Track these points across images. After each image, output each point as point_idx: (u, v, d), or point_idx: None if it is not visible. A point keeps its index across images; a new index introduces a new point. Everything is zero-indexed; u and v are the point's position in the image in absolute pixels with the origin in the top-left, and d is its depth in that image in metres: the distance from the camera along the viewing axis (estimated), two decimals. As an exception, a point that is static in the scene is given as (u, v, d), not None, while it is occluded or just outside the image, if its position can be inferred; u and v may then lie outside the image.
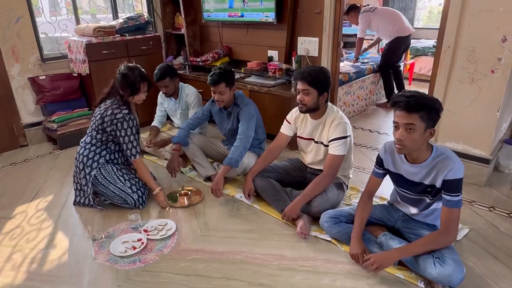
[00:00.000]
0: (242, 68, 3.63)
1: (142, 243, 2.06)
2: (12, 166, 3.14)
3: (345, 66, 4.30)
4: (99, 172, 2.37)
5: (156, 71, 2.99)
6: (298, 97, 2.19)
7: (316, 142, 2.32)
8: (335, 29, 3.20)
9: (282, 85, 3.33)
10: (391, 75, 4.53)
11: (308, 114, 2.28)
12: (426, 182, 1.73)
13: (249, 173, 2.42)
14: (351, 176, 2.44)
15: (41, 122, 3.57)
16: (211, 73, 2.59)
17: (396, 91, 4.60)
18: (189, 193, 2.53)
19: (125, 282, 1.80)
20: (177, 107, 3.21)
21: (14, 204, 2.54)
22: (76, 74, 3.60)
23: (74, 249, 2.06)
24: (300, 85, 2.14)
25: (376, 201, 2.01)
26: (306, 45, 3.38)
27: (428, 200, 1.78)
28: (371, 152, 3.26)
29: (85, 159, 2.36)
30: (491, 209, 2.35)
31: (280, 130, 2.46)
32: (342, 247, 1.99)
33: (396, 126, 1.64)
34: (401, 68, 4.67)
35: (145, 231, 2.17)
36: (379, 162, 1.91)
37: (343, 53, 4.76)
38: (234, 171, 2.62)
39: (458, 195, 1.64)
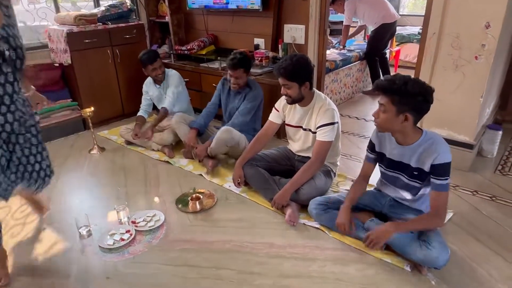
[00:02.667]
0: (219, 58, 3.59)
1: (131, 235, 2.04)
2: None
3: (332, 53, 4.29)
4: None
5: (148, 53, 3.05)
6: (281, 90, 2.19)
7: (305, 129, 2.32)
8: (321, 16, 3.18)
9: (269, 73, 3.30)
10: (377, 63, 4.55)
11: (296, 103, 2.28)
12: (413, 164, 1.76)
13: (238, 161, 2.42)
14: (338, 163, 2.46)
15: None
16: (231, 57, 2.68)
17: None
18: (201, 196, 2.31)
19: (114, 274, 1.79)
20: (163, 93, 3.19)
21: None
22: (57, 65, 3.50)
23: (61, 243, 2.03)
24: (280, 80, 2.16)
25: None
26: (293, 32, 3.35)
27: (417, 185, 1.81)
28: (358, 139, 3.29)
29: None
30: (475, 193, 2.41)
31: (269, 118, 2.46)
32: (331, 233, 2.01)
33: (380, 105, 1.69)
34: (387, 55, 4.69)
35: (133, 222, 2.15)
36: (371, 146, 1.95)
37: (332, 40, 4.73)
38: (227, 142, 2.67)
39: (447, 179, 1.68)
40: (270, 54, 3.38)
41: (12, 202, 2.42)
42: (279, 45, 3.38)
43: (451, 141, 2.68)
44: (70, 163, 2.98)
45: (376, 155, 1.94)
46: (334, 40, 4.88)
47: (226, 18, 3.77)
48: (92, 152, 3.13)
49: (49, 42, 3.50)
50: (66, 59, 3.33)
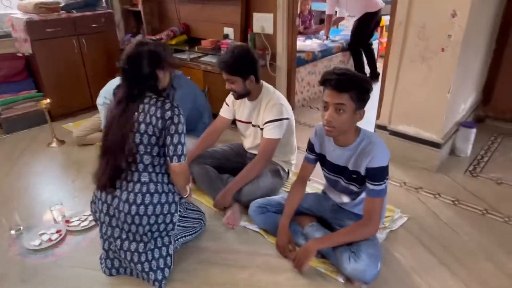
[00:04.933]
0: (196, 47, 3.44)
1: (60, 235, 1.95)
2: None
3: (312, 44, 4.10)
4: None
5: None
6: (226, 85, 2.04)
7: (254, 126, 2.18)
8: (289, 5, 3.00)
9: (236, 65, 3.15)
10: (361, 54, 4.36)
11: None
12: (350, 167, 1.62)
13: (185, 158, 2.29)
14: (293, 161, 2.31)
15: (-13, 105, 3.39)
16: None
17: (367, 70, 4.44)
18: None
19: (32, 277, 1.70)
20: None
21: None
22: (21, 55, 3.40)
23: (-12, 242, 1.95)
24: (223, 75, 2.00)
25: (307, 190, 1.92)
26: (262, 22, 3.18)
27: (356, 189, 1.67)
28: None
29: (158, 208, 1.56)
30: (437, 196, 2.24)
31: (220, 113, 2.32)
32: (269, 238, 1.89)
33: (326, 107, 1.51)
34: (373, 46, 4.48)
35: (67, 221, 2.05)
36: (311, 147, 1.79)
37: (327, 32, 4.51)
38: None
39: (381, 184, 1.53)
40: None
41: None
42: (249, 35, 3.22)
43: (418, 140, 2.53)
44: (25, 156, 2.89)
45: (317, 156, 1.79)
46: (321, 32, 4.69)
47: (197, 6, 3.61)
48: (51, 145, 3.03)
49: (12, 31, 3.39)
50: (27, 48, 3.23)
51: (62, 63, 3.43)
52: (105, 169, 1.55)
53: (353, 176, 1.64)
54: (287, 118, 2.07)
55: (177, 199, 1.65)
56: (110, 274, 1.67)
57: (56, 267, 1.76)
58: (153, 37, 3.70)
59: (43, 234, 1.96)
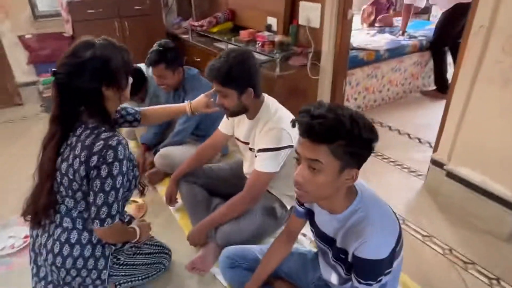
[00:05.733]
0: (233, 38, 3.04)
1: (25, 242, 1.80)
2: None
3: (380, 40, 3.39)
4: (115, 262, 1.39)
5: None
6: (217, 100, 1.62)
7: (251, 149, 1.75)
8: (342, -7, 2.41)
9: (271, 62, 2.69)
10: (445, 55, 3.49)
11: (244, 113, 1.71)
12: (338, 243, 1.12)
13: (173, 174, 1.96)
14: (301, 196, 1.83)
15: (36, 82, 3.51)
16: (150, 51, 2.14)
17: (449, 76, 3.55)
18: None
19: (-27, 290, 1.58)
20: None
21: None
22: (68, 35, 3.40)
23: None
24: (214, 85, 1.58)
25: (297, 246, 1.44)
26: (308, 12, 2.64)
27: (343, 273, 1.16)
28: (373, 158, 2.50)
29: (79, 261, 1.26)
30: (496, 282, 1.57)
31: (219, 126, 1.93)
32: (236, 299, 1.49)
33: (298, 160, 1.03)
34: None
35: (39, 227, 1.90)
36: None
37: (404, 26, 3.72)
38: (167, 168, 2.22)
39: (370, 284, 1.01)
40: (277, 39, 2.73)
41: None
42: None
43: (485, 192, 1.82)
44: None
45: (305, 210, 1.30)
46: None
47: (243, -10, 3.19)
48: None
49: (62, 11, 3.40)
50: (68, 29, 3.20)
51: (102, 46, 3.35)
52: (33, 196, 1.30)
53: (341, 255, 1.13)
54: (288, 147, 1.59)
55: (107, 252, 1.32)
56: None
57: (3, 280, 1.61)
58: (196, 23, 3.41)
59: (12, 237, 1.84)
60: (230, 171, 2.00)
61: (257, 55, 2.63)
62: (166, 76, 2.14)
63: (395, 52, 3.28)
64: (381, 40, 3.40)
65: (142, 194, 1.48)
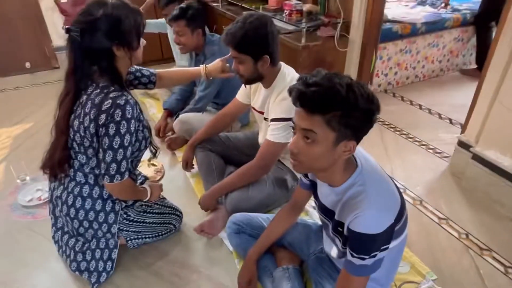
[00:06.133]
0: (261, 7, 2.95)
1: (50, 195, 1.93)
2: (31, 87, 3.30)
3: (418, 13, 3.17)
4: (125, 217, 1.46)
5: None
6: (233, 65, 1.61)
7: (266, 119, 1.74)
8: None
9: (298, 32, 2.60)
10: (490, 31, 3.22)
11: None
12: (336, 215, 1.10)
13: (190, 141, 2.00)
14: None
15: (71, 47, 3.63)
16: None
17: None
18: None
19: (3, 235, 1.71)
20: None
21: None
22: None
23: (-4, 186, 2.05)
24: (230, 51, 1.56)
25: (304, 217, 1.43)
26: (340, -21, 2.51)
27: (340, 247, 1.15)
28: (392, 136, 2.41)
29: (90, 214, 1.35)
30: (510, 269, 1.49)
31: (236, 95, 1.92)
32: (240, 263, 1.52)
33: (294, 129, 1.01)
34: None
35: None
36: None
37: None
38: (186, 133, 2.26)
39: (363, 258, 0.99)
40: (305, 7, 2.62)
41: (5, 132, 2.55)
42: (321, -4, 2.60)
43: (512, 177, 1.71)
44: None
45: (310, 182, 1.29)
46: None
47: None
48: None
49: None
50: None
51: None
52: (50, 151, 1.37)
53: (338, 228, 1.11)
54: (301, 118, 1.56)
55: (118, 207, 1.39)
56: (62, 255, 1.56)
57: (26, 230, 1.73)
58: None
59: (39, 190, 1.97)
60: (247, 141, 2.01)
61: (283, 25, 2.60)
62: (184, 34, 2.16)
63: (434, 26, 3.06)
64: (419, 13, 3.18)
65: (154, 156, 1.52)
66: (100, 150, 1.24)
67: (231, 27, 1.53)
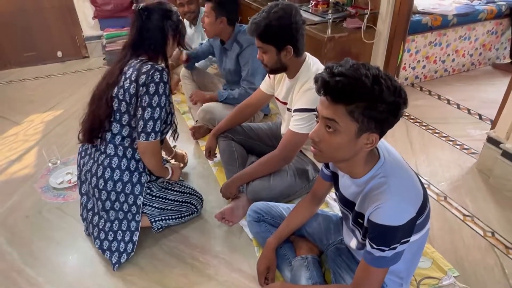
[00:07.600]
0: (287, -3, 2.93)
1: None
2: (62, 75, 3.42)
3: (450, 4, 3.06)
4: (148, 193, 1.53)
5: None
6: (257, 54, 1.62)
7: (289, 110, 1.74)
8: None
9: (324, 24, 2.58)
10: (527, 24, 3.08)
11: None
12: (356, 207, 1.10)
13: (213, 130, 2.03)
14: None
15: (100, 37, 3.73)
16: None
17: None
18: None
19: (34, 215, 1.80)
20: (197, 37, 2.85)
21: (31, 111, 2.77)
22: (131, -10, 3.53)
23: (29, 169, 2.15)
24: (255, 41, 1.58)
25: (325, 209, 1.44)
26: (369, -31, 2.45)
27: (360, 238, 1.15)
28: (418, 131, 2.35)
29: (118, 185, 1.43)
30: (537, 270, 1.45)
31: (260, 85, 1.93)
32: (259, 251, 1.55)
33: (317, 117, 1.01)
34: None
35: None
36: None
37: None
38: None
39: (383, 250, 0.99)
40: (332, -2, 2.59)
41: (37, 118, 2.66)
42: (348, -14, 2.56)
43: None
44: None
45: (331, 173, 1.29)
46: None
47: None
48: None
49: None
50: (129, -15, 3.31)
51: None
52: (87, 120, 1.46)
53: (358, 219, 1.11)
54: (324, 110, 1.55)
55: (144, 179, 1.46)
56: (89, 234, 1.64)
57: (57, 211, 1.82)
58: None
59: (69, 173, 2.06)
60: (269, 131, 2.02)
61: (308, 16, 2.58)
62: (208, 16, 2.16)
63: (466, 18, 2.95)
64: (451, 4, 3.07)
65: (175, 134, 1.63)
66: (139, 108, 1.35)
67: (256, 16, 1.54)
